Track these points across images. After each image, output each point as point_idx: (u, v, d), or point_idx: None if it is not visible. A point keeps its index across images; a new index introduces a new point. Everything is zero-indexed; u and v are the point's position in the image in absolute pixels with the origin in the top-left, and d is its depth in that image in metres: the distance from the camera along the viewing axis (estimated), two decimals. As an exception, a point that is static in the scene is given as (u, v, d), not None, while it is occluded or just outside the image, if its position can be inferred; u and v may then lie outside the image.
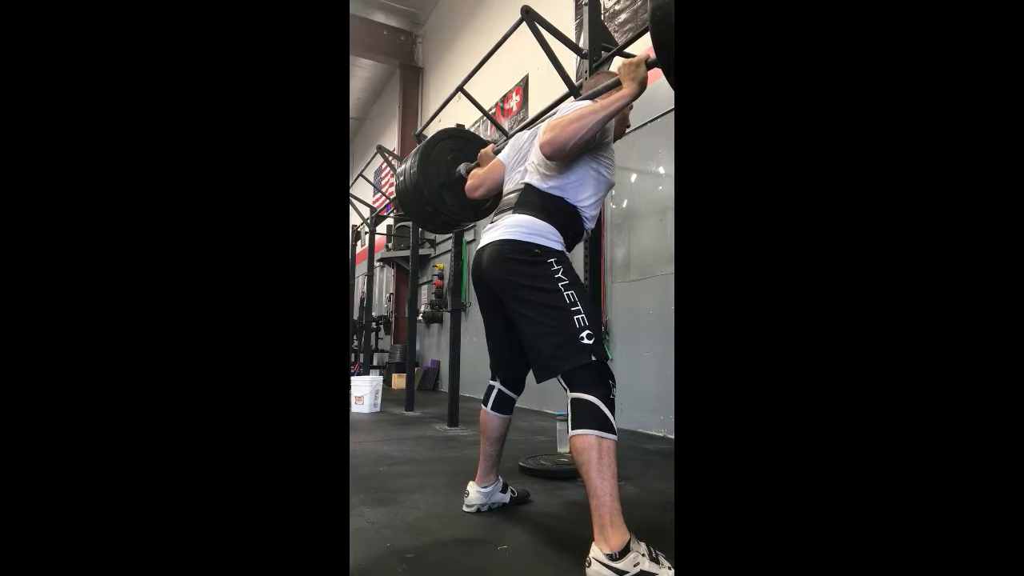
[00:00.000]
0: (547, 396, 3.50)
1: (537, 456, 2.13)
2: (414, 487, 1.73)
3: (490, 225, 1.36)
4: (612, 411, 1.10)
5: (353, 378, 3.72)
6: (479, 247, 1.35)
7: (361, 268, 6.73)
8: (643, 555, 1.00)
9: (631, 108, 1.45)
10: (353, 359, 6.70)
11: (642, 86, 1.20)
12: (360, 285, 6.98)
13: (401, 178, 2.01)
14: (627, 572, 0.98)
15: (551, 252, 1.23)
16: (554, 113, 1.35)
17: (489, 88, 4.85)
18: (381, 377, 4.11)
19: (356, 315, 6.97)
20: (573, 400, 1.12)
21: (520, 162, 1.45)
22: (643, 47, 2.54)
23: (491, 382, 1.49)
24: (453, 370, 3.16)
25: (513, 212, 1.31)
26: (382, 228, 6.52)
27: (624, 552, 0.99)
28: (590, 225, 1.37)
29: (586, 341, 1.13)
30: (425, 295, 5.93)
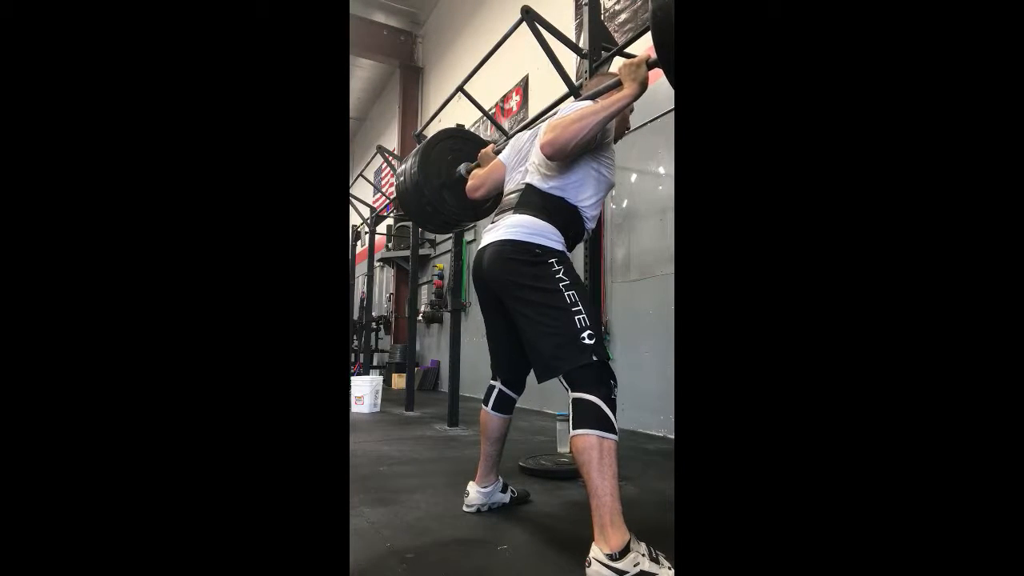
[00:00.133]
0: (547, 396, 3.49)
1: (537, 456, 2.13)
2: (414, 487, 1.73)
3: (491, 225, 1.36)
4: (613, 411, 1.10)
5: (353, 378, 3.72)
6: (480, 247, 1.35)
7: (361, 268, 6.73)
8: (643, 555, 1.00)
9: (632, 110, 1.45)
10: (353, 359, 6.70)
11: (643, 87, 1.20)
12: (360, 285, 6.98)
13: (401, 178, 2.01)
14: (627, 572, 0.98)
15: (552, 252, 1.23)
16: (555, 113, 1.35)
17: (489, 88, 4.85)
18: (381, 377, 4.11)
19: (356, 315, 6.97)
20: (574, 400, 1.12)
21: (521, 162, 1.45)
22: (643, 47, 2.53)
23: (491, 382, 1.49)
24: (453, 370, 3.16)
25: (514, 212, 1.31)
26: (382, 228, 6.53)
27: (624, 552, 0.99)
28: (591, 225, 1.37)
29: (587, 341, 1.13)
30: (425, 295, 5.93)
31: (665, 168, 2.96)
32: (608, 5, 3.50)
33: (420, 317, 5.59)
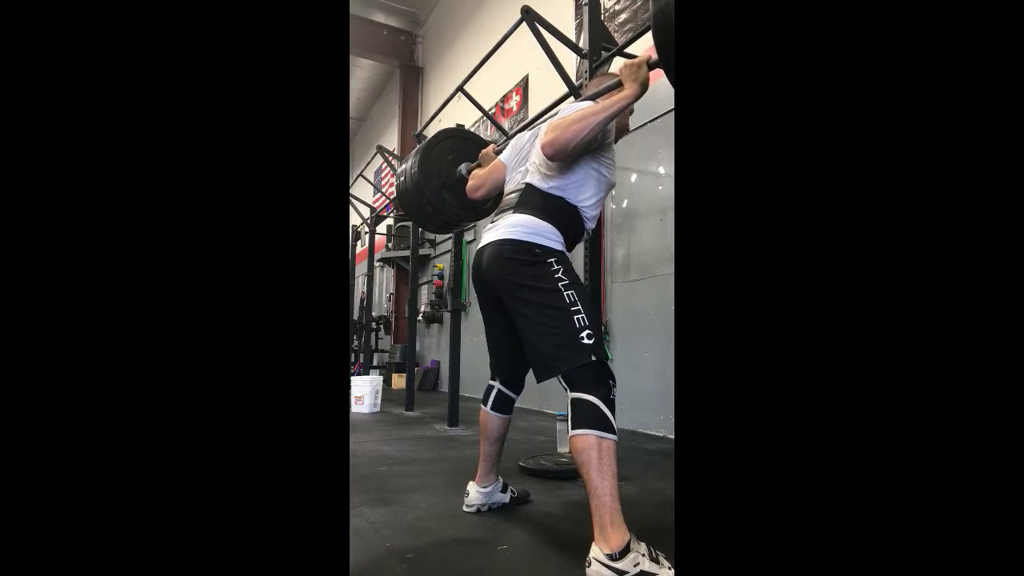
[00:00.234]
0: (547, 396, 3.50)
1: (537, 456, 2.13)
2: (414, 487, 1.73)
3: (490, 225, 1.36)
4: (612, 411, 1.10)
5: (353, 378, 3.72)
6: (479, 247, 1.35)
7: (361, 268, 6.73)
8: (643, 555, 1.00)
9: (631, 111, 1.45)
10: (353, 359, 6.70)
11: (644, 87, 1.20)
12: (360, 285, 6.98)
13: (402, 178, 2.01)
14: (627, 572, 0.98)
15: (551, 252, 1.23)
16: (555, 113, 1.35)
17: (489, 88, 4.85)
18: (381, 377, 4.11)
19: (356, 315, 6.97)
20: (573, 400, 1.12)
21: (521, 162, 1.45)
22: (643, 47, 2.53)
23: (491, 382, 1.49)
24: (453, 370, 3.16)
25: (514, 212, 1.31)
26: (382, 228, 6.52)
27: (624, 552, 0.99)
28: (590, 225, 1.37)
29: (586, 341, 1.13)
30: (425, 295, 5.93)
31: (665, 168, 2.96)
32: (608, 5, 3.50)
33: (420, 317, 5.59)
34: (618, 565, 0.98)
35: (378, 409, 3.84)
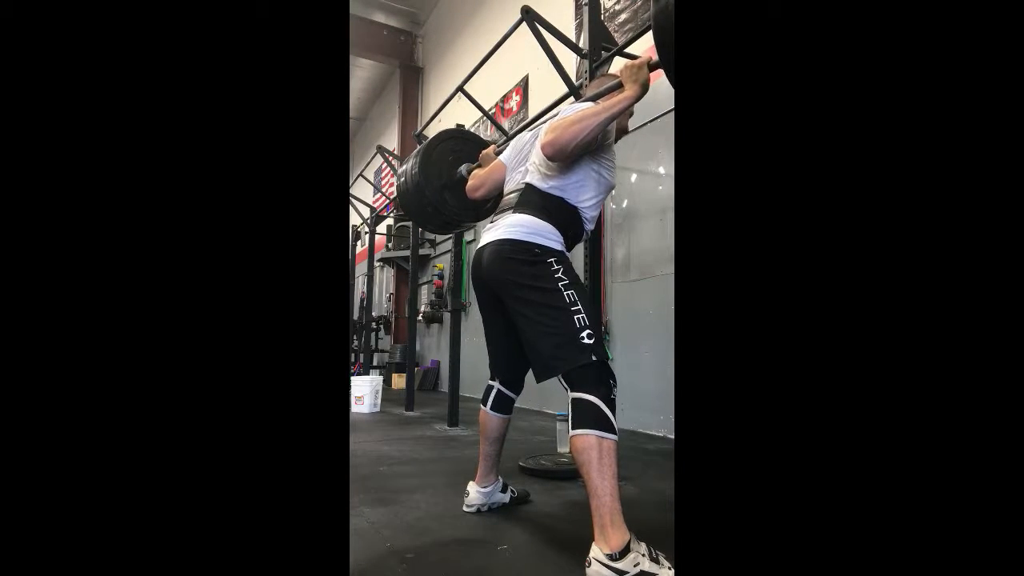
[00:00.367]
0: (547, 396, 3.49)
1: (537, 456, 2.13)
2: (414, 487, 1.73)
3: (490, 225, 1.36)
4: (613, 411, 1.10)
5: (353, 378, 3.72)
6: (479, 247, 1.35)
7: (361, 268, 6.73)
8: (643, 555, 1.00)
9: (631, 113, 1.45)
10: (353, 359, 6.70)
11: (644, 89, 1.20)
12: (360, 285, 6.98)
13: (402, 179, 2.01)
14: (627, 572, 0.98)
15: (551, 252, 1.23)
16: (556, 114, 1.36)
17: (489, 88, 4.85)
18: (381, 377, 4.11)
19: (356, 315, 6.97)
20: (574, 400, 1.12)
21: (521, 162, 1.45)
22: (643, 47, 2.53)
23: (490, 382, 1.49)
24: (453, 370, 3.16)
25: (513, 212, 1.31)
26: (382, 228, 6.53)
27: (624, 552, 0.99)
28: (589, 227, 1.38)
29: (586, 341, 1.13)
30: (425, 295, 5.93)
31: (665, 168, 2.96)
32: (608, 5, 3.50)
33: (420, 317, 5.59)
34: (618, 565, 0.98)
35: (378, 409, 3.84)
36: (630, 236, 3.17)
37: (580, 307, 1.16)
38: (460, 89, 2.67)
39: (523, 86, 4.61)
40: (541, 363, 1.19)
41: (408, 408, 3.83)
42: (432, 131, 2.33)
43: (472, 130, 2.51)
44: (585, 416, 1.09)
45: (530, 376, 1.33)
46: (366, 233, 5.39)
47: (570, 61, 2.81)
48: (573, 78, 2.17)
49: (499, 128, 3.08)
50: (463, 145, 2.03)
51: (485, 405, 1.48)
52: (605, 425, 1.08)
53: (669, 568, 1.00)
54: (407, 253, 4.98)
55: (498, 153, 1.70)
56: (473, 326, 4.63)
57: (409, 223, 4.79)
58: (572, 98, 2.05)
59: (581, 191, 1.30)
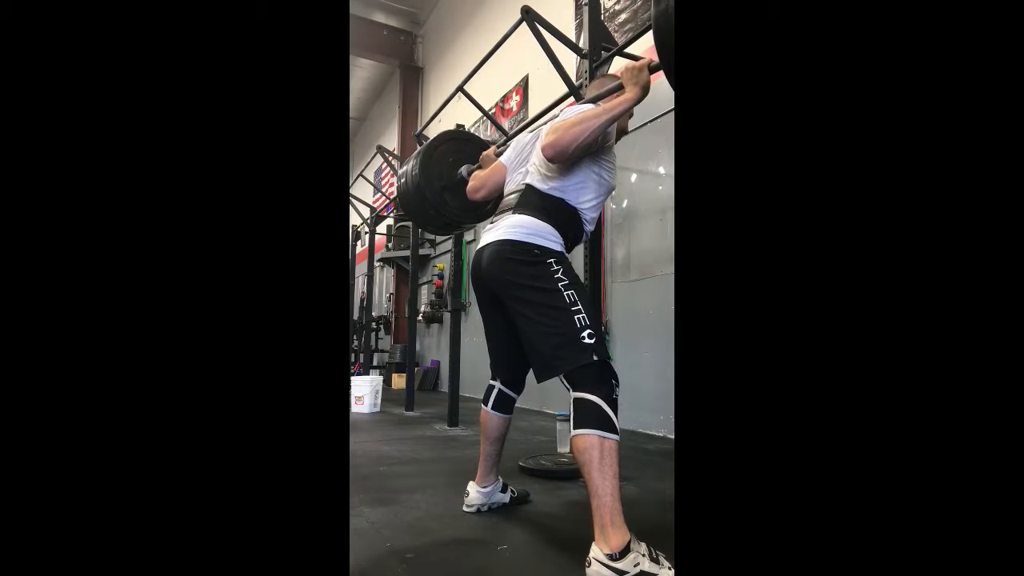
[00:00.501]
0: (547, 396, 3.49)
1: (537, 456, 2.13)
2: (414, 487, 1.73)
3: (490, 225, 1.36)
4: (615, 411, 1.10)
5: (353, 378, 3.72)
6: (479, 247, 1.35)
7: (361, 268, 6.73)
8: (643, 555, 1.00)
9: (631, 115, 1.45)
10: (353, 359, 6.70)
11: (645, 90, 1.20)
12: (360, 285, 6.98)
13: (403, 180, 2.01)
14: (627, 572, 0.98)
15: (550, 252, 1.23)
16: (556, 115, 1.36)
17: (489, 88, 4.85)
18: (381, 377, 4.11)
19: (356, 315, 6.97)
20: (576, 400, 1.12)
21: (521, 164, 1.45)
22: (643, 47, 2.53)
23: (491, 382, 1.49)
24: (453, 370, 3.16)
25: (513, 212, 1.31)
26: (382, 228, 6.52)
27: (624, 552, 0.99)
28: (589, 228, 1.38)
29: (587, 341, 1.13)
30: (425, 295, 5.93)
31: (665, 168, 2.96)
32: (608, 5, 3.50)
33: (420, 317, 5.59)
34: (618, 565, 0.98)
35: (378, 409, 3.84)
36: (630, 236, 3.17)
37: (580, 307, 1.16)
38: (460, 89, 2.67)
39: (523, 86, 4.61)
40: (542, 363, 1.19)
41: (408, 408, 3.83)
42: (432, 131, 2.33)
43: (472, 130, 2.52)
44: (587, 416, 1.09)
45: (530, 376, 1.33)
46: (366, 233, 5.39)
47: (570, 61, 2.81)
48: (573, 78, 2.17)
49: (499, 128, 3.08)
50: (463, 146, 2.03)
51: (486, 405, 1.49)
52: (607, 425, 1.08)
53: (669, 568, 1.00)
54: (407, 253, 4.98)
55: (498, 154, 1.70)
56: (473, 326, 4.63)
57: (409, 223, 4.79)
58: (572, 98, 2.05)
59: (581, 192, 1.30)
